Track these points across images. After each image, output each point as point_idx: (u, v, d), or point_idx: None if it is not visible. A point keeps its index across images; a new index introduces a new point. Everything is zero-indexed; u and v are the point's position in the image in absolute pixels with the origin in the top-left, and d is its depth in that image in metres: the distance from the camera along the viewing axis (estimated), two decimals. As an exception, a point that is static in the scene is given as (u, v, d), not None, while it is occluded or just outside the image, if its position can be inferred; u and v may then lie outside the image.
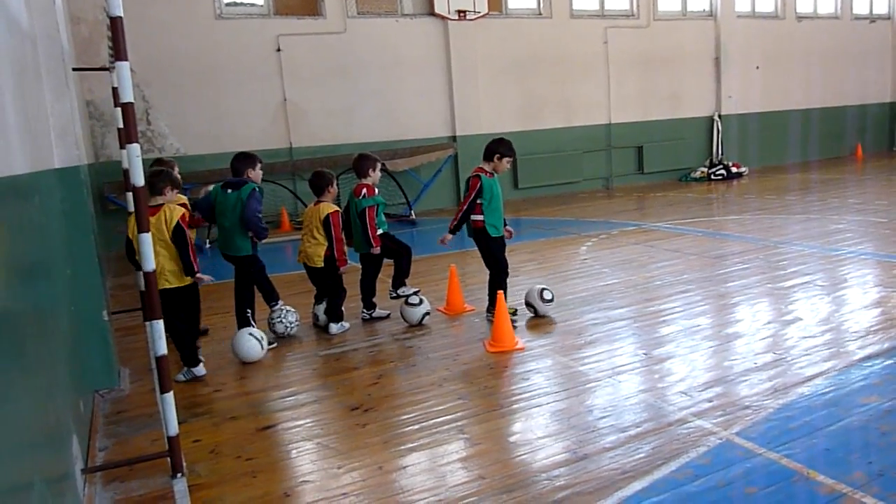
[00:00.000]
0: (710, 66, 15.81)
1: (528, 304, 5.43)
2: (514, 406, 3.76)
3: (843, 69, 17.95)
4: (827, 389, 3.65)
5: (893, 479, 2.74)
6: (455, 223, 5.31)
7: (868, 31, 18.38)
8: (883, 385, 3.66)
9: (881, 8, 18.73)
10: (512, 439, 3.38)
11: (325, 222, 5.23)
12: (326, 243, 5.29)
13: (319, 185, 5.39)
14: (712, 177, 14.78)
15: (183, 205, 4.77)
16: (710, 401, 3.63)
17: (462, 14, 12.65)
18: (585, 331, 5.01)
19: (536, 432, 3.43)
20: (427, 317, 5.46)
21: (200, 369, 4.58)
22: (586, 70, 14.29)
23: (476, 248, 5.46)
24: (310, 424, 3.71)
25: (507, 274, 5.30)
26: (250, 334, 4.81)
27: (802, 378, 3.83)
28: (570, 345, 4.73)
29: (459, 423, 3.56)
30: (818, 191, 11.84)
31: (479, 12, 12.76)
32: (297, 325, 5.37)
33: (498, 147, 5.22)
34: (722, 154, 15.81)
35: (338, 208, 5.33)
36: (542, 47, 13.76)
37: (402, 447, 3.35)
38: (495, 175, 5.27)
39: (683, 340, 4.63)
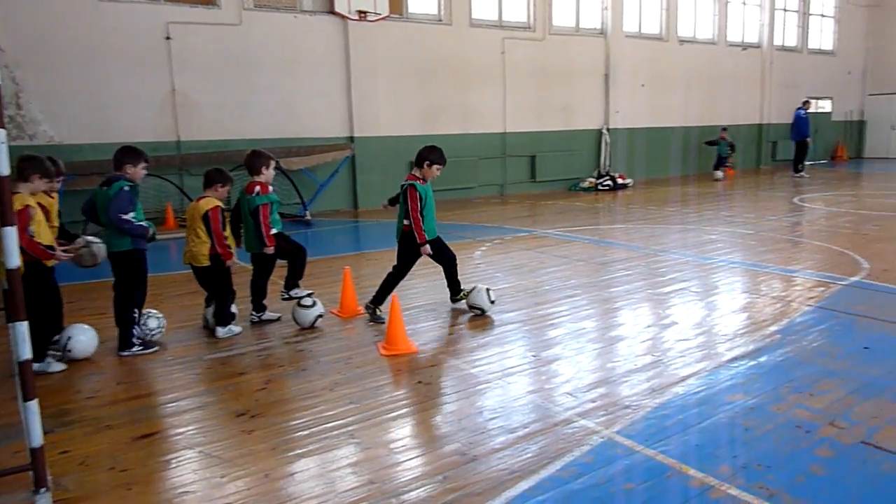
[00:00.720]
0: (600, 82, 16.53)
1: (473, 307, 5.50)
2: (406, 409, 3.75)
3: (719, 91, 19.31)
4: (699, 389, 3.88)
5: (755, 471, 2.95)
6: (420, 233, 5.33)
7: (741, 58, 19.86)
8: (747, 384, 3.93)
9: (752, 37, 20.30)
10: (403, 442, 3.36)
11: (205, 219, 5.02)
12: (210, 241, 5.08)
13: (212, 179, 5.16)
14: (600, 187, 15.44)
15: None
16: (593, 401, 3.77)
17: (362, 14, 12.56)
18: (478, 334, 5.08)
19: (427, 435, 3.43)
20: (320, 319, 5.35)
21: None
22: (484, 79, 14.56)
23: (376, 249, 5.40)
24: (192, 432, 3.54)
25: (402, 277, 5.49)
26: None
27: (677, 378, 4.05)
28: (462, 347, 4.78)
29: (350, 428, 3.51)
30: (695, 203, 12.63)
31: (379, 14, 12.71)
32: (160, 332, 5.05)
33: (429, 154, 5.37)
34: (609, 166, 16.57)
35: (219, 204, 5.11)
36: (441, 53, 13.89)
37: (291, 453, 3.26)
38: (426, 181, 5.40)
39: (570, 343, 4.79)
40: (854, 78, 23.97)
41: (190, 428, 3.58)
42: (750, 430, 3.35)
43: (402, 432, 3.48)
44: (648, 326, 5.18)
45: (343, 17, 12.48)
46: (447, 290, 5.99)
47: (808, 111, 18.03)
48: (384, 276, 5.61)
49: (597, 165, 16.59)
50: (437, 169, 5.39)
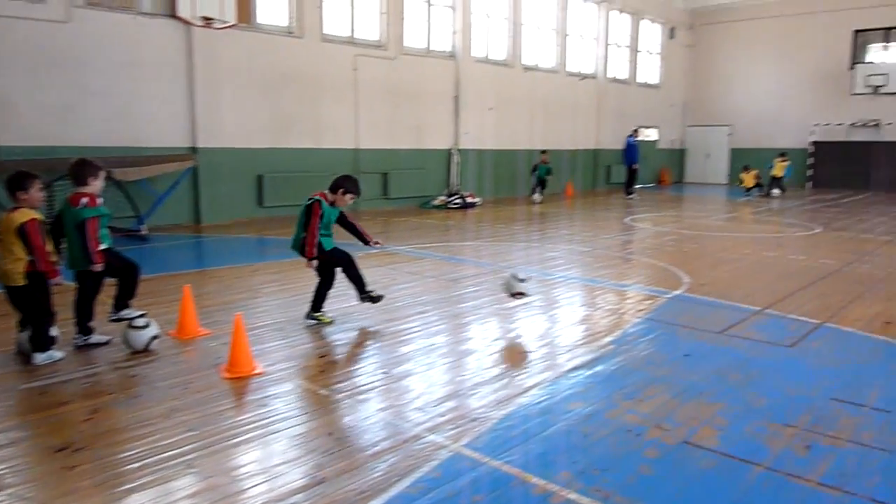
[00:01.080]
0: (450, 103, 17.01)
1: (514, 294, 5.92)
2: (251, 434, 3.58)
3: (561, 117, 20.56)
4: (541, 399, 4.06)
5: (592, 476, 3.12)
6: (311, 248, 5.50)
7: (579, 87, 21.30)
8: (585, 392, 4.17)
9: (589, 69, 21.86)
10: (247, 469, 3.20)
11: (21, 232, 4.53)
12: (27, 257, 4.58)
13: (15, 184, 4.63)
14: (450, 205, 15.83)
15: None
16: (443, 415, 3.81)
17: (208, 21, 12.04)
18: (328, 352, 4.98)
19: (274, 460, 3.30)
20: (155, 341, 4.99)
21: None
22: (336, 94, 14.47)
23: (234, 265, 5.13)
24: (1, 472, 3.14)
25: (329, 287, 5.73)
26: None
27: (522, 389, 4.21)
28: (311, 367, 4.66)
29: (188, 457, 3.29)
30: (538, 222, 13.30)
31: (226, 22, 12.25)
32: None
33: (345, 183, 5.65)
34: (459, 185, 17.05)
35: (36, 216, 4.62)
36: (293, 66, 13.63)
37: (120, 489, 2.99)
38: (335, 205, 5.65)
39: (421, 358, 4.83)
40: (676, 110, 26.54)
41: (-2, 467, 3.19)
42: (587, 436, 3.54)
43: (246, 459, 3.32)
44: (496, 340, 5.34)
45: (186, 22, 11.89)
46: (297, 307, 5.83)
47: (638, 139, 19.71)
48: (228, 294, 5.34)
49: (447, 184, 17.01)
50: (350, 198, 5.65)
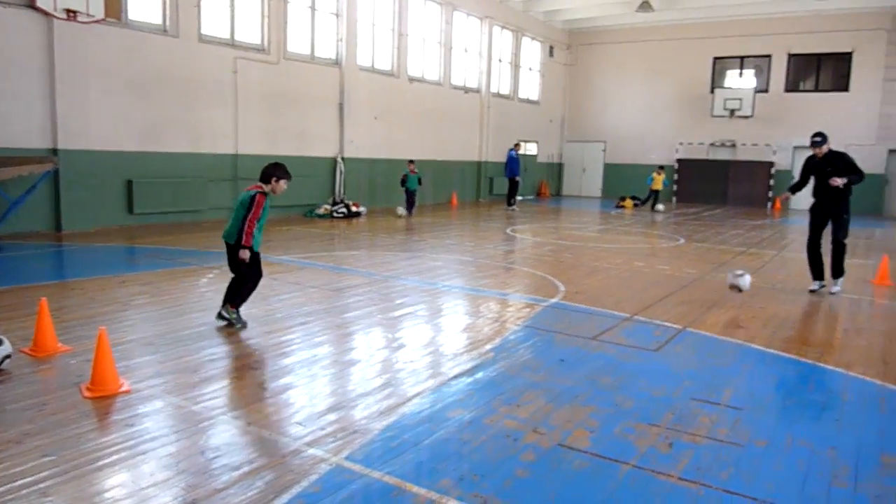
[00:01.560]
0: (335, 111, 16.85)
1: (732, 287, 7.10)
2: (116, 457, 3.36)
3: (446, 129, 20.91)
4: (423, 408, 4.10)
5: (471, 482, 3.18)
6: (249, 237, 5.66)
7: (463, 100, 21.76)
8: (466, 400, 4.25)
9: (473, 83, 22.39)
10: (111, 494, 3.01)
11: None
12: None
13: None
14: (335, 214, 15.66)
15: None
16: (323, 428, 3.76)
17: (72, 14, 11.25)
18: (202, 367, 4.78)
19: (141, 482, 3.12)
20: (7, 361, 4.59)
21: None
22: (215, 97, 13.95)
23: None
24: None
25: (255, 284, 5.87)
26: None
27: (405, 398, 4.23)
28: (184, 383, 4.45)
29: (44, 485, 3.05)
30: (425, 232, 13.43)
31: (92, 16, 11.50)
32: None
33: (275, 171, 5.79)
34: (344, 193, 16.90)
35: None
36: (167, 67, 13.01)
37: (-40, 522, 2.73)
38: (270, 196, 5.85)
39: (302, 371, 4.74)
40: (555, 125, 27.72)
41: None
42: (467, 442, 3.62)
43: (110, 483, 3.11)
44: (380, 349, 5.34)
45: (47, 14, 11.06)
46: (169, 320, 5.55)
47: (519, 152, 20.40)
48: (91, 307, 5.00)
49: (332, 193, 16.82)
50: (285, 183, 5.82)
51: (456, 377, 4.69)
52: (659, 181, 21.68)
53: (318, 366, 4.87)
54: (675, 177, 25.48)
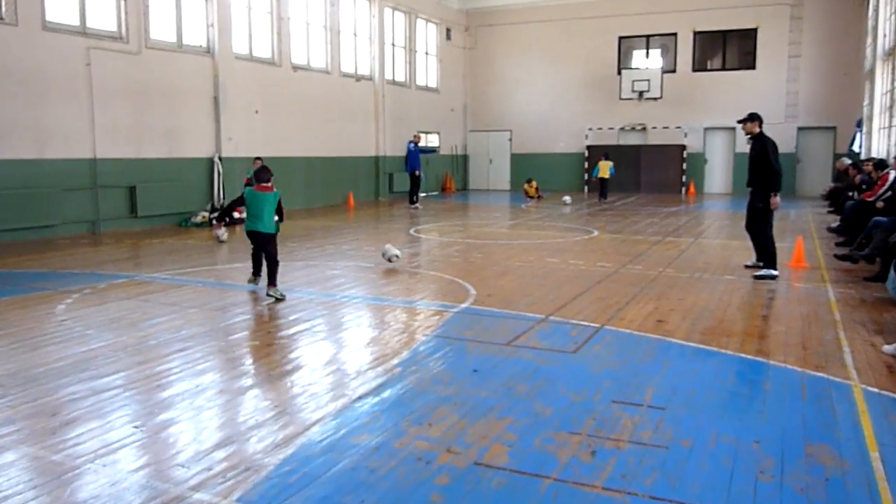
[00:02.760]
0: (209, 105, 16.36)
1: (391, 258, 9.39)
2: (-43, 523, 3.12)
3: (337, 122, 20.75)
4: (325, 435, 4.03)
5: (382, 513, 3.16)
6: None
7: (355, 89, 21.66)
8: (371, 423, 4.22)
9: (365, 70, 22.31)
10: (-49, 569, 2.78)
11: None
12: None
13: None
14: (213, 222, 15.19)
15: None
16: (211, 468, 3.63)
17: None
18: (62, 409, 4.51)
19: (-10, 551, 2.90)
20: None
21: None
22: (65, 94, 13.22)
23: None
24: None
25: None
26: None
27: (304, 426, 4.15)
28: (41, 429, 4.18)
29: None
30: (318, 238, 13.26)
31: None
32: None
33: (263, 174, 8.08)
34: (223, 198, 16.43)
35: None
36: (5, 60, 12.21)
37: None
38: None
39: (185, 404, 4.56)
40: (457, 114, 28.08)
41: None
42: (375, 470, 3.59)
43: (-49, 556, 2.88)
44: (273, 372, 5.22)
45: None
46: (18, 356, 5.20)
47: (419, 144, 20.52)
48: None
49: (210, 198, 16.31)
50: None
51: (361, 398, 4.65)
52: (605, 168, 22.42)
53: (202, 397, 4.70)
54: (586, 165, 26.36)
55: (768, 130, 9.31)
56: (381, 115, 22.77)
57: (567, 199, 21.84)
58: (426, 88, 25.97)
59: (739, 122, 9.21)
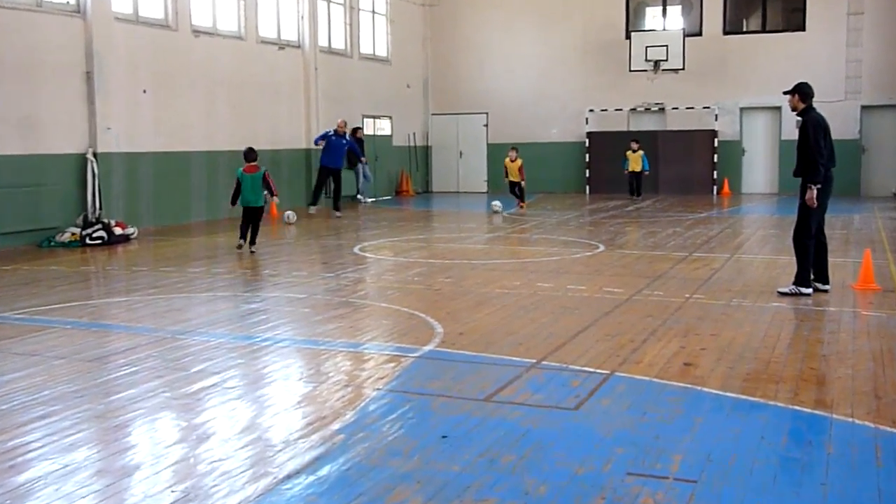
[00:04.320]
0: (80, 83, 16.23)
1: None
2: None
3: (254, 105, 20.70)
4: (243, 529, 3.99)
5: None
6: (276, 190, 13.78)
7: (278, 60, 21.66)
8: (307, 510, 4.20)
9: (291, 34, 22.33)
10: None
11: None
12: None
13: None
14: (88, 241, 15.10)
15: None
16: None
17: None
18: None
19: None
20: None
21: None
22: None
23: None
24: None
25: None
26: None
27: (213, 519, 4.11)
28: None
29: None
30: (230, 260, 13.18)
31: None
32: None
33: (250, 154, 13.70)
34: (101, 209, 16.27)
35: None
36: None
37: None
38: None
39: (48, 490, 4.48)
40: (415, 92, 28.22)
41: None
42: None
43: None
44: (172, 445, 5.16)
45: None
46: None
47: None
48: None
49: (83, 209, 16.13)
50: None
51: (290, 477, 4.61)
52: (637, 160, 22.70)
53: (72, 481, 4.63)
54: (587, 158, 26.65)
55: (824, 111, 9.56)
56: (314, 95, 22.79)
57: (497, 204, 20.81)
58: (373, 58, 26.08)
59: (786, 93, 9.55)
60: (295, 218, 18.59)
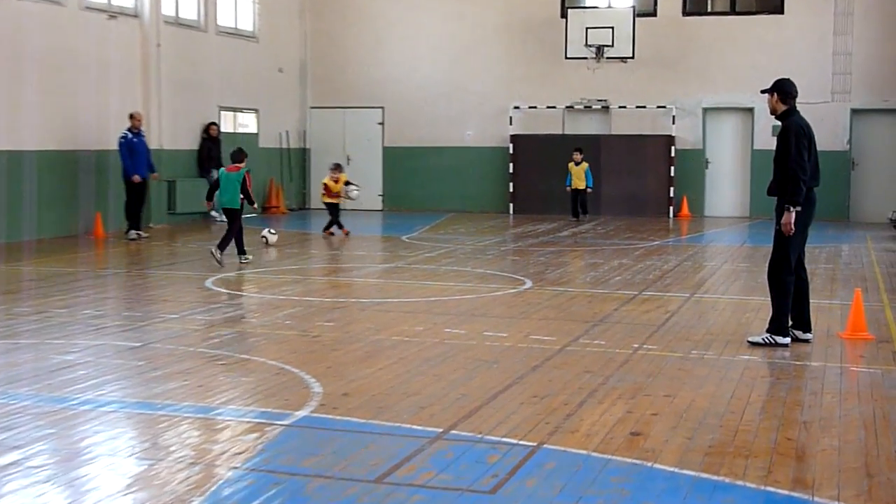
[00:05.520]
0: None
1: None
2: None
3: (75, 90, 20.31)
4: None
5: None
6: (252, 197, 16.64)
7: (108, 34, 21.30)
8: None
9: (125, 0, 22.04)
10: None
11: None
12: None
13: None
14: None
15: None
16: None
17: None
18: None
19: None
20: None
21: None
22: None
23: None
24: None
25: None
26: None
27: None
28: None
29: None
30: (38, 295, 12.86)
31: None
32: None
33: (241, 154, 16.39)
34: None
35: None
36: None
37: None
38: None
39: None
40: (289, 79, 28.06)
41: None
42: None
43: None
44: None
45: None
46: None
47: (134, 132, 20.32)
48: None
49: None
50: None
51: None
52: (580, 174, 23.02)
53: None
54: (511, 168, 26.83)
55: (807, 115, 9.80)
56: (155, 80, 22.47)
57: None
58: (235, 34, 25.90)
59: (763, 91, 9.77)
60: (275, 238, 18.77)
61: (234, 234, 15.86)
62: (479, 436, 6.77)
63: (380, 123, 28.39)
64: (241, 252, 16.07)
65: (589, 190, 24.19)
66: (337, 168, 21.82)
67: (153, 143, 22.33)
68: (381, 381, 8.34)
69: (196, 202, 21.79)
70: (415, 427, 6.95)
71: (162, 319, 11.25)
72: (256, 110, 26.62)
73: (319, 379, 8.34)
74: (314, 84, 28.77)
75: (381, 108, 28.30)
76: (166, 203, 22.82)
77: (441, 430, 6.90)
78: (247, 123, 26.37)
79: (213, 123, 22.07)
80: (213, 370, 8.89)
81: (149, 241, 19.56)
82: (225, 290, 13.44)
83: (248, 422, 7.15)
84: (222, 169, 16.53)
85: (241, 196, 15.90)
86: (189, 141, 22.62)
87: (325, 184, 21.56)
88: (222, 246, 15.61)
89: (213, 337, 10.37)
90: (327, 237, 21.02)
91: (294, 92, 28.36)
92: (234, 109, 25.41)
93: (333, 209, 21.47)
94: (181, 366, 8.98)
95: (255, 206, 17.77)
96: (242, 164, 16.09)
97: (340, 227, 21.30)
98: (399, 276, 15.06)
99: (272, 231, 18.70)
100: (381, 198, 28.26)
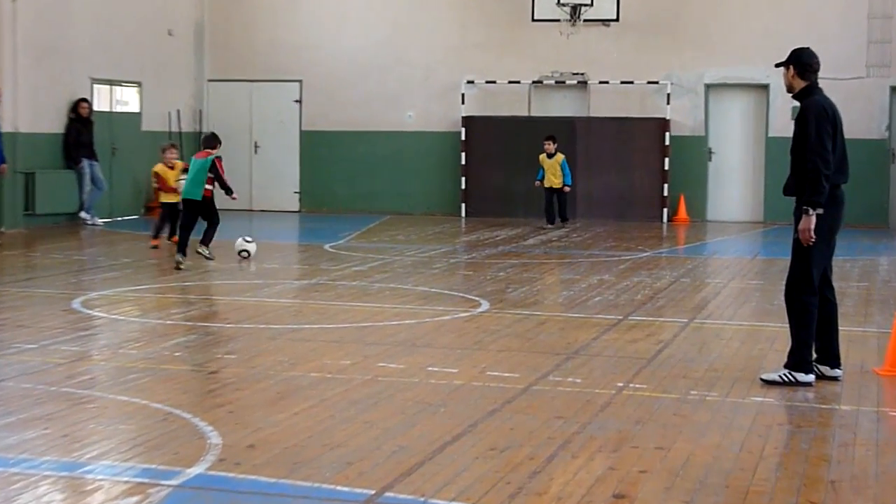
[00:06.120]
0: None
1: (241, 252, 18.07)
2: None
3: None
4: None
5: None
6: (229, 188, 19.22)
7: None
8: None
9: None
10: None
11: None
12: None
13: None
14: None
15: None
16: None
17: None
18: None
19: None
20: None
21: None
22: None
23: None
24: None
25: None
26: None
27: None
28: None
29: None
30: None
31: None
32: None
33: (214, 140, 19.09)
34: None
35: None
36: None
37: None
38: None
39: None
40: (181, 44, 27.98)
41: None
42: None
43: None
44: None
45: None
46: None
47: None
48: None
49: None
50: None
51: None
52: (554, 168, 23.09)
53: None
54: (463, 159, 26.87)
55: (836, 94, 9.84)
56: (10, 44, 22.32)
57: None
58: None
59: (778, 65, 9.72)
60: (253, 251, 18.86)
61: (216, 225, 18.15)
62: (422, 499, 6.76)
63: (296, 101, 28.36)
64: (182, 251, 17.47)
65: (567, 188, 24.23)
66: (171, 148, 21.07)
67: (6, 125, 22.21)
68: (297, 429, 8.30)
69: (61, 199, 21.64)
70: (339, 488, 6.92)
71: (16, 350, 11.14)
72: (139, 84, 26.49)
73: (218, 427, 8.29)
74: (213, 51, 28.72)
75: (299, 81, 28.28)
76: (22, 202, 22.64)
77: (373, 492, 6.87)
78: (127, 100, 26.27)
79: (84, 100, 21.95)
80: (82, 415, 8.82)
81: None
82: (97, 313, 13.35)
83: (127, 481, 7.08)
84: (192, 157, 18.56)
85: (210, 187, 17.95)
86: (52, 123, 22.48)
87: (156, 172, 20.68)
88: (205, 241, 17.73)
89: (83, 373, 10.30)
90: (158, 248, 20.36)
91: (187, 61, 28.26)
92: (111, 83, 25.28)
93: (172, 210, 20.17)
94: (41, 409, 8.90)
95: (235, 196, 19.18)
96: (214, 150, 18.21)
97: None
98: (320, 296, 15.04)
99: (248, 239, 18.56)
100: (297, 196, 28.24)
